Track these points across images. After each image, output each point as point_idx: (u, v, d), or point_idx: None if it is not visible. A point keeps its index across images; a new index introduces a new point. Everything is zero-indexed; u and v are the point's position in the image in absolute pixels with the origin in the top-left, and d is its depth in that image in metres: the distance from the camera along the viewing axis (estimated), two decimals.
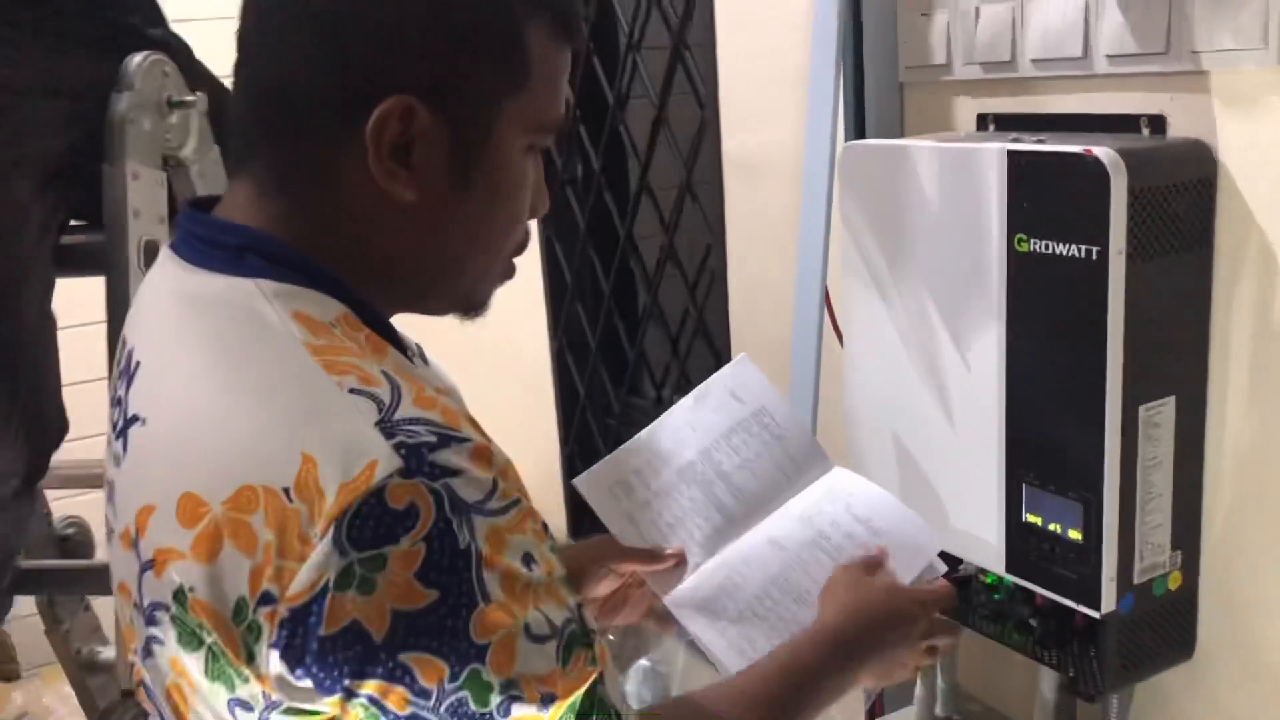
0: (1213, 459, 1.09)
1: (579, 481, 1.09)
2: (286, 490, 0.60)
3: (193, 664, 0.64)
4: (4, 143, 1.09)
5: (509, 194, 0.74)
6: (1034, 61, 1.18)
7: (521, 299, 2.30)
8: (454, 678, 0.60)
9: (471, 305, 0.78)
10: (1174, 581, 1.11)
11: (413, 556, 0.59)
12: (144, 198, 1.11)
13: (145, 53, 1.13)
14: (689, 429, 1.10)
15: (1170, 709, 1.19)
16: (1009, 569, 1.15)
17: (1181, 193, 1.03)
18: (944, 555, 1.22)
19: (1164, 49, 1.05)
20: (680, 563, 1.06)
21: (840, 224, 1.29)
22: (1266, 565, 1.07)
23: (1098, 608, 1.06)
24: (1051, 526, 1.09)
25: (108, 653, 1.54)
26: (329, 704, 0.61)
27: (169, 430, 0.67)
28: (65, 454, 1.32)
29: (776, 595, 1.02)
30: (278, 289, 0.67)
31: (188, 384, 0.67)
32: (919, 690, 1.40)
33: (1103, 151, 0.98)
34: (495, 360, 2.47)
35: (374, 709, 0.60)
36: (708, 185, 1.78)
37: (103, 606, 1.59)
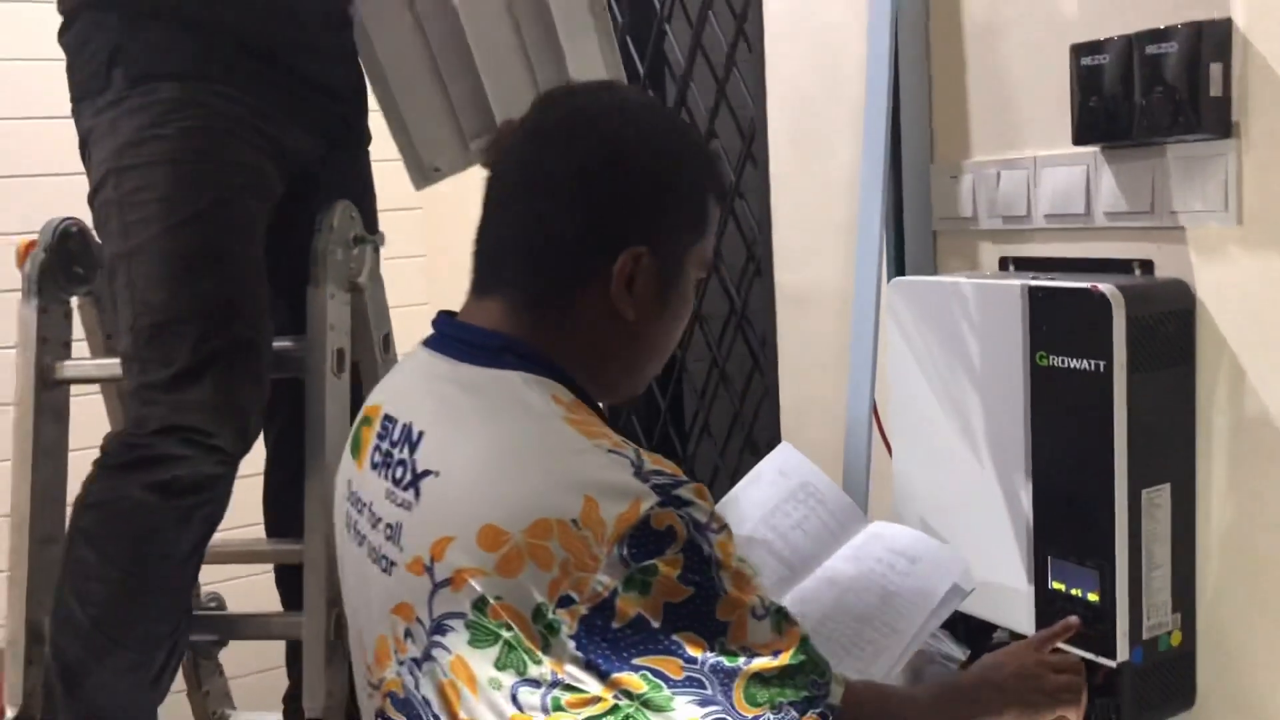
0: (1202, 534, 1.33)
1: None
2: (574, 521, 0.84)
3: (482, 658, 0.86)
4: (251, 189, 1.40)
5: (684, 314, 1.03)
6: (1045, 216, 1.47)
7: None
8: (710, 648, 0.85)
9: (635, 396, 1.05)
10: (1175, 639, 1.34)
11: (675, 564, 0.84)
12: (337, 315, 1.39)
13: (342, 201, 1.43)
14: (749, 504, 1.37)
15: None
16: (1039, 630, 1.38)
17: (1169, 320, 1.30)
18: (980, 622, 1.46)
19: (1149, 209, 1.34)
20: None
21: (885, 348, 1.56)
22: (1252, 623, 1.31)
23: (1114, 658, 1.30)
24: (1074, 591, 1.33)
25: (236, 717, 1.74)
26: (601, 686, 0.85)
27: (465, 479, 0.91)
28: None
29: (838, 618, 1.26)
30: (534, 379, 0.93)
31: (477, 445, 0.91)
32: None
33: (1106, 287, 1.25)
34: None
35: (655, 678, 0.85)
36: (759, 314, 2.06)
37: (232, 672, 1.80)
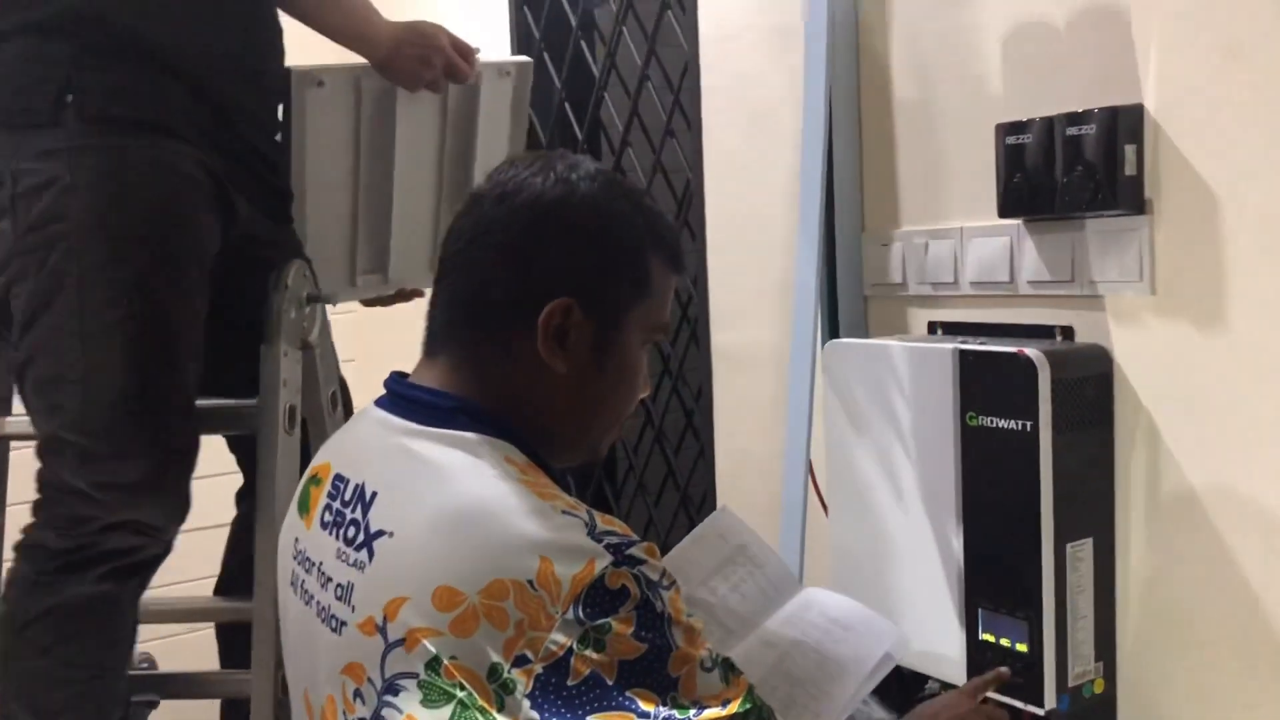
0: (1122, 586, 1.41)
1: None
2: (530, 582, 0.86)
3: (435, 718, 0.87)
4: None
5: (630, 375, 1.04)
6: (972, 283, 1.55)
7: None
8: (663, 702, 0.88)
9: (593, 455, 1.08)
10: (1099, 686, 1.41)
11: (629, 621, 0.87)
12: (290, 372, 1.40)
13: (296, 260, 1.45)
14: (691, 565, 1.40)
15: None
16: (970, 679, 1.43)
17: (1089, 384, 1.38)
18: (912, 674, 1.52)
19: (1070, 278, 1.42)
20: None
21: (820, 407, 1.62)
22: (1169, 671, 1.38)
23: (1041, 705, 1.36)
24: (1003, 641, 1.39)
25: None
26: None
27: (419, 540, 0.92)
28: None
29: (775, 682, 1.30)
30: (487, 440, 0.96)
31: (431, 506, 0.93)
32: None
33: (1032, 351, 1.33)
34: None
35: None
36: (694, 372, 2.11)
37: None
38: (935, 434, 1.43)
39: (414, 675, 0.88)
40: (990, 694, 1.38)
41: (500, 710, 0.86)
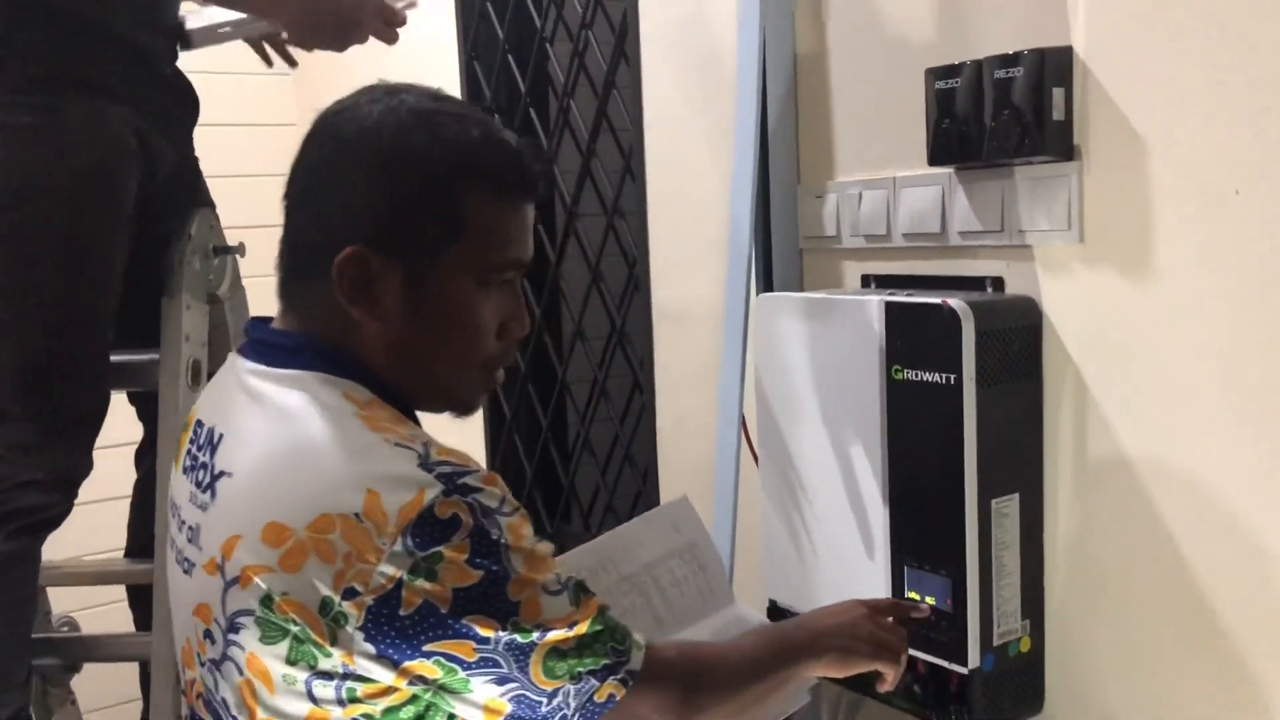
0: (1049, 543, 1.38)
1: None
2: (357, 514, 0.85)
3: (274, 654, 0.87)
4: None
5: (463, 322, 0.97)
6: (904, 235, 1.51)
7: (463, 432, 2.54)
8: (503, 627, 0.87)
9: (457, 407, 1.04)
10: (1025, 645, 1.38)
11: (461, 549, 0.85)
12: (193, 325, 1.36)
13: (201, 209, 1.40)
14: (638, 545, 1.37)
15: None
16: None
17: (1016, 335, 1.34)
18: None
19: (1000, 227, 1.39)
20: None
21: (754, 361, 1.58)
22: (1096, 629, 1.35)
23: (965, 664, 1.33)
24: (928, 599, 1.36)
25: None
26: (393, 675, 0.86)
27: (252, 478, 0.91)
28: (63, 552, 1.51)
29: None
30: (327, 378, 0.93)
31: (265, 444, 0.92)
32: None
33: (956, 302, 1.29)
34: None
35: (449, 663, 0.86)
36: (639, 333, 2.07)
37: (87, 700, 1.74)
38: (862, 387, 1.40)
39: (251, 612, 0.87)
40: (912, 651, 1.36)
41: (334, 643, 0.85)
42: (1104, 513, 1.33)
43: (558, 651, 0.89)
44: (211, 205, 1.49)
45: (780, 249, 1.67)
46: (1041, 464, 1.38)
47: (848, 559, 1.46)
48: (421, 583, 0.84)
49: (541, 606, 0.89)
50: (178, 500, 1.02)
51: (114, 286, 1.36)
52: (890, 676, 1.17)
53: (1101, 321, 1.30)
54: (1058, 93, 1.29)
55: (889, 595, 1.40)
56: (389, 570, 0.84)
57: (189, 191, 1.49)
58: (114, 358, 1.39)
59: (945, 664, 1.35)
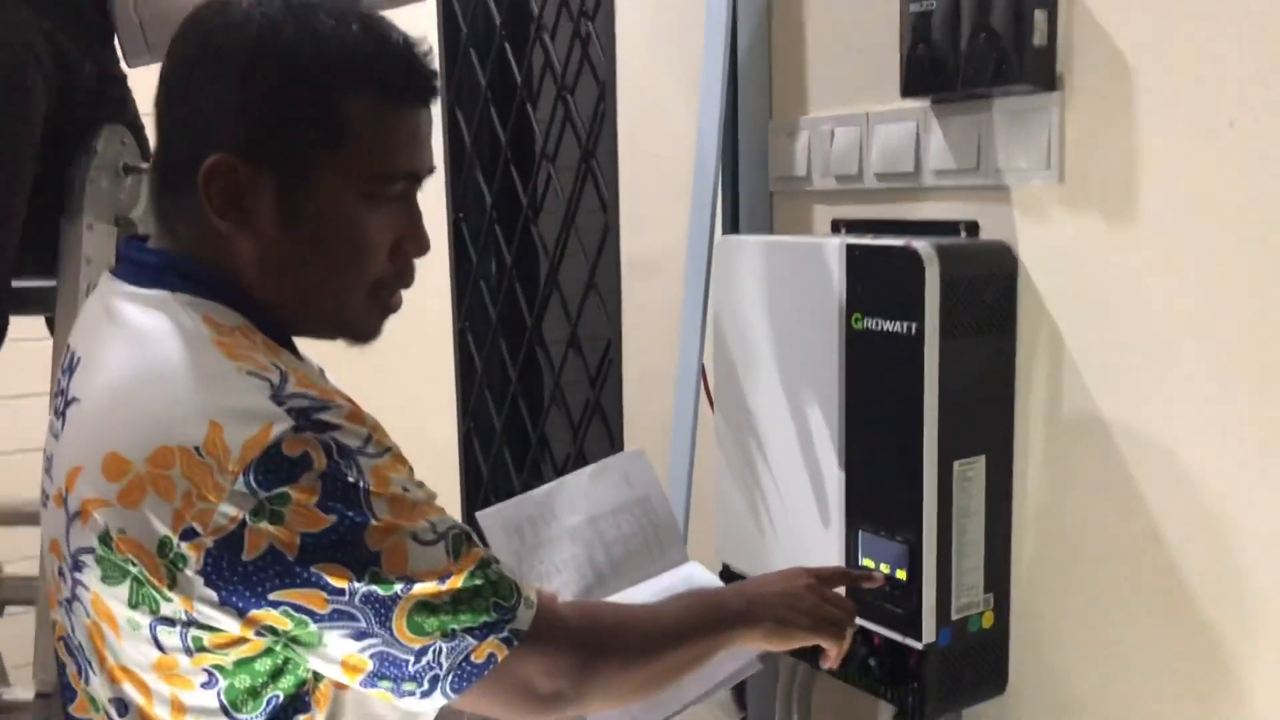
0: (1019, 511, 1.27)
1: (484, 515, 1.24)
2: (197, 449, 0.76)
3: (116, 596, 0.78)
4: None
5: (343, 238, 0.86)
6: (876, 175, 1.39)
7: (435, 385, 2.45)
8: (359, 578, 0.77)
9: (348, 333, 0.92)
10: (987, 620, 1.27)
11: (311, 491, 0.76)
12: (95, 248, 1.26)
13: (110, 124, 1.30)
14: (584, 497, 1.27)
15: None
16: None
17: (989, 283, 1.23)
18: None
19: (975, 166, 1.27)
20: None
21: (714, 310, 1.48)
22: (1065, 605, 1.25)
23: (919, 639, 1.22)
24: (882, 567, 1.25)
25: (9, 694, 1.61)
26: (239, 625, 0.77)
27: (98, 406, 0.82)
28: None
29: None
30: (191, 300, 0.84)
31: (113, 369, 0.83)
32: None
33: (920, 245, 1.18)
34: (404, 444, 2.60)
35: (298, 614, 0.77)
36: (609, 284, 1.97)
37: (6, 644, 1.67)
38: (820, 337, 1.29)
39: (91, 550, 0.80)
40: (866, 624, 1.26)
41: (172, 587, 0.77)
42: (1077, 479, 1.22)
43: (427, 606, 0.80)
44: (140, 128, 1.39)
45: (748, 190, 1.56)
46: (1012, 424, 1.27)
47: (801, 522, 1.36)
48: (265, 525, 0.75)
49: (409, 557, 0.79)
50: (49, 432, 0.93)
51: (16, 206, 1.26)
52: (833, 653, 1.07)
53: (1080, 270, 1.19)
54: (1040, 15, 1.17)
55: (842, 562, 1.30)
56: (230, 510, 0.75)
57: (114, 108, 1.38)
58: (16, 283, 1.29)
59: (899, 638, 1.25)
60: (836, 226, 1.47)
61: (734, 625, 1.02)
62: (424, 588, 0.79)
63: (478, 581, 0.82)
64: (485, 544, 0.88)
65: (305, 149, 0.84)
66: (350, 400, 0.82)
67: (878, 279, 1.22)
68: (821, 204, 1.49)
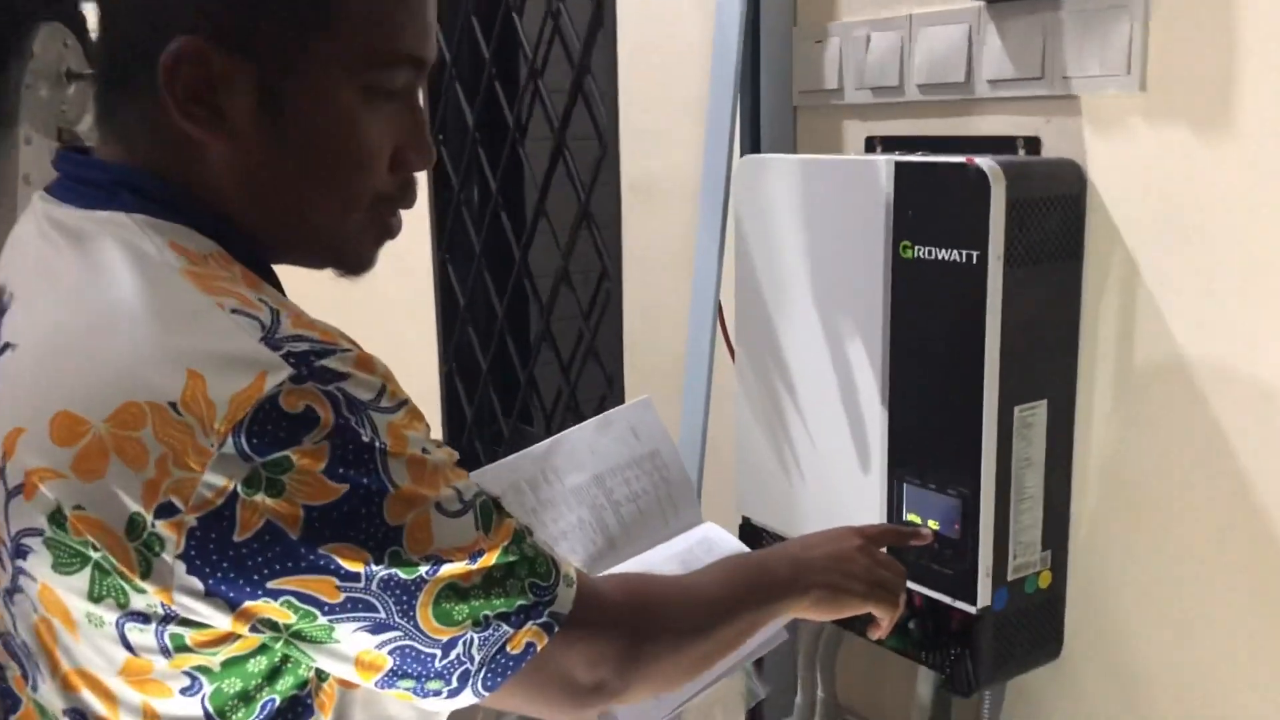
0: (1080, 461, 1.15)
1: (476, 476, 1.10)
2: (174, 404, 0.60)
3: (72, 587, 0.63)
4: None
5: (339, 142, 0.71)
6: (919, 86, 1.25)
7: (413, 321, 2.29)
8: (378, 560, 0.63)
9: (340, 262, 0.76)
10: (1044, 580, 1.16)
11: (318, 455, 0.61)
12: (35, 164, 1.10)
13: (50, 22, 1.12)
14: (588, 452, 1.13)
15: (1040, 708, 1.23)
16: None
17: (1055, 206, 1.09)
18: None
19: (1039, 74, 1.13)
20: None
21: (734, 240, 1.33)
22: (1128, 567, 1.13)
23: (974, 602, 1.11)
24: (930, 524, 1.13)
25: None
26: (230, 620, 0.62)
27: (39, 353, 0.67)
28: None
29: None
30: (153, 222, 0.68)
31: (61, 309, 0.67)
32: (799, 700, 1.42)
33: (984, 161, 1.04)
34: None
35: (304, 605, 0.63)
36: (605, 212, 1.82)
37: None
38: (861, 268, 1.15)
39: (39, 532, 0.64)
40: (909, 584, 1.13)
41: (146, 576, 0.62)
42: (1149, 427, 1.09)
43: (456, 590, 0.66)
44: (81, 22, 1.20)
45: (770, 106, 1.41)
46: (1076, 365, 1.14)
47: (836, 473, 1.23)
48: (262, 498, 0.60)
49: (434, 532, 0.65)
50: None
51: None
52: (886, 622, 0.95)
53: (1162, 191, 1.05)
54: None
55: (882, 517, 1.17)
56: (217, 480, 0.60)
57: (53, 4, 1.20)
58: None
59: (950, 601, 1.13)
60: (871, 144, 1.32)
61: (783, 594, 0.89)
62: (453, 568, 0.65)
63: (512, 558, 0.68)
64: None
65: (290, 32, 0.68)
66: (355, 343, 0.67)
67: (932, 201, 1.08)
68: (854, 119, 1.35)
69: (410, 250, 2.24)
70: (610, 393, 1.88)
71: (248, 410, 0.60)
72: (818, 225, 1.21)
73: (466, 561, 0.66)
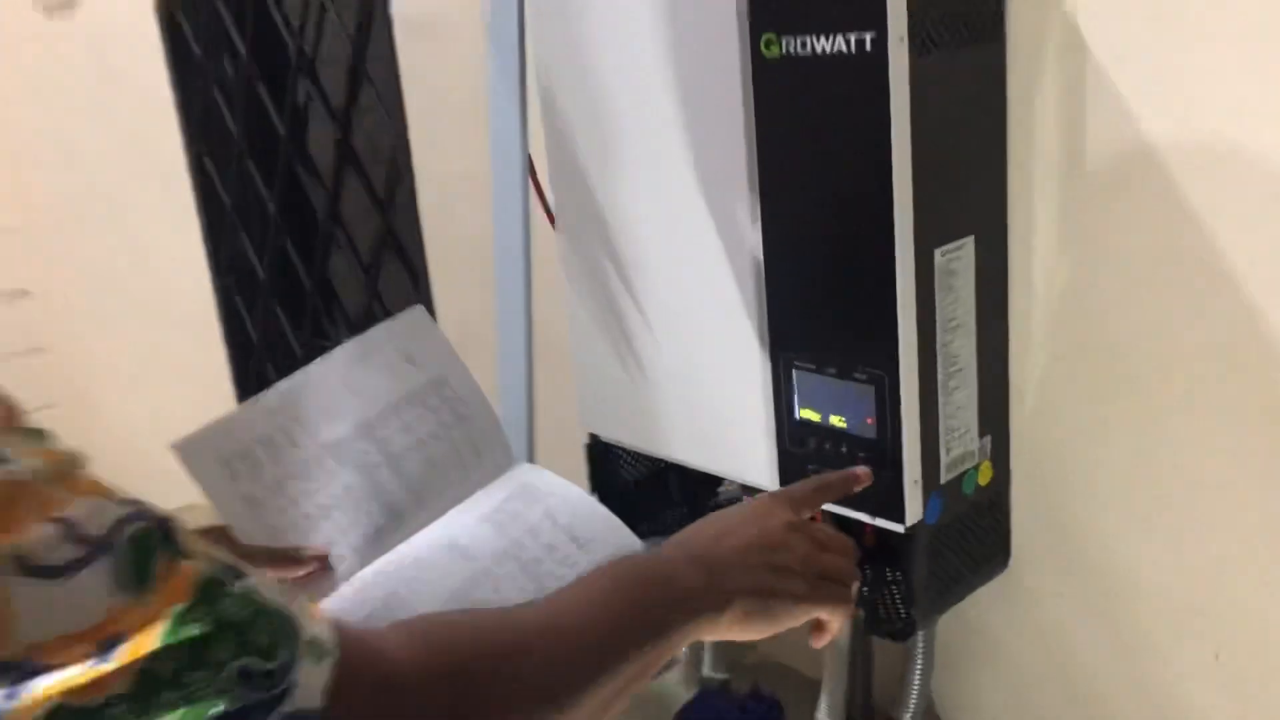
0: (1020, 313, 0.87)
1: (177, 447, 0.74)
2: None
3: None
4: None
5: None
6: None
7: (172, 233, 1.88)
8: None
9: None
10: (984, 475, 0.88)
11: None
12: None
13: None
14: (346, 391, 0.78)
15: (983, 636, 0.97)
16: (783, 484, 0.89)
17: None
18: (699, 475, 0.97)
19: None
20: (325, 568, 0.74)
21: (537, 70, 0.99)
22: (1090, 447, 0.86)
23: (902, 520, 0.82)
24: (834, 421, 0.84)
25: None
26: None
27: None
28: None
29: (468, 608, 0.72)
30: None
31: None
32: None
33: None
34: (147, 313, 2.04)
35: None
36: (380, 61, 1.44)
37: None
38: (713, 79, 0.83)
39: None
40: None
41: None
42: (1110, 259, 0.81)
43: (79, 715, 0.37)
44: None
45: None
46: (1005, 185, 0.85)
47: (699, 361, 0.92)
48: None
49: (21, 609, 0.37)
50: None
51: None
52: (835, 624, 0.65)
53: None
54: None
55: (769, 419, 0.87)
56: None
57: None
58: None
59: (868, 519, 0.84)
60: None
61: (691, 614, 0.58)
62: (65, 678, 0.37)
63: (194, 630, 0.39)
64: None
65: None
66: None
67: None
68: None
69: (161, 145, 1.81)
70: (416, 291, 1.54)
71: None
72: (646, 36, 0.87)
73: (90, 662, 0.37)
